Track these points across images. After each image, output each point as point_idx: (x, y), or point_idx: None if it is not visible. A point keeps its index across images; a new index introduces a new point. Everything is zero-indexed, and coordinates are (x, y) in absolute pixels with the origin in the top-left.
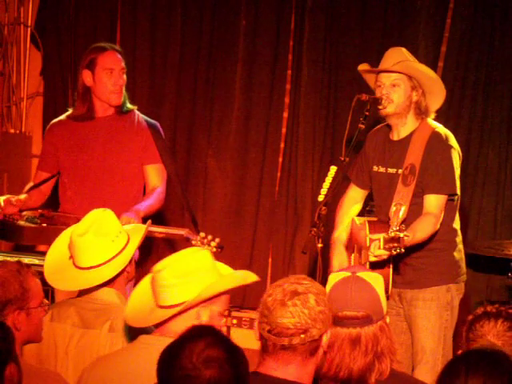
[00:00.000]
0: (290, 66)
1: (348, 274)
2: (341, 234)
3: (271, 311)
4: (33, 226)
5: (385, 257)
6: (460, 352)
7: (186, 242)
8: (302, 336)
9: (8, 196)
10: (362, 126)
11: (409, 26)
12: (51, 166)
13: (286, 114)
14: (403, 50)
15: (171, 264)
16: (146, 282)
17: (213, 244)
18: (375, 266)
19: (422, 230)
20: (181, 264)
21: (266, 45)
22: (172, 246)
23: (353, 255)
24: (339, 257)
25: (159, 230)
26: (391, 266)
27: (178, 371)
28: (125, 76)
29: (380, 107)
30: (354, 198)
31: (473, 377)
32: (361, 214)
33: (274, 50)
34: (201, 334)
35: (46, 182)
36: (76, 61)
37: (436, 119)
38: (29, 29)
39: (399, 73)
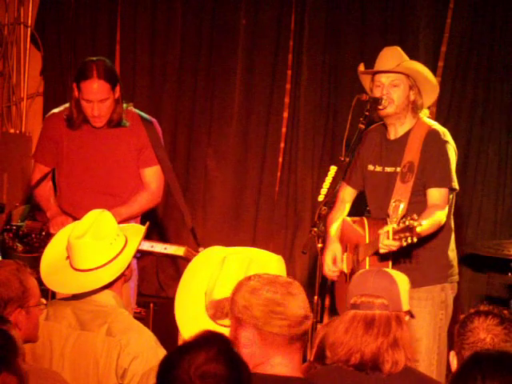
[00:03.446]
0: (290, 66)
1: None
2: (335, 231)
3: (285, 305)
4: (21, 254)
5: (394, 248)
6: (455, 350)
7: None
8: (308, 322)
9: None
10: (362, 126)
11: (409, 26)
12: (50, 160)
13: (286, 114)
14: (399, 49)
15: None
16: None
17: None
18: (374, 260)
19: (431, 222)
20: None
21: (266, 45)
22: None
23: (345, 255)
24: (332, 252)
25: (158, 250)
26: (391, 260)
27: (173, 381)
28: (108, 102)
29: (380, 107)
30: (344, 198)
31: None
32: (354, 215)
33: (274, 50)
34: (205, 344)
35: (44, 179)
36: (76, 60)
37: (436, 119)
38: (29, 29)
39: (399, 73)
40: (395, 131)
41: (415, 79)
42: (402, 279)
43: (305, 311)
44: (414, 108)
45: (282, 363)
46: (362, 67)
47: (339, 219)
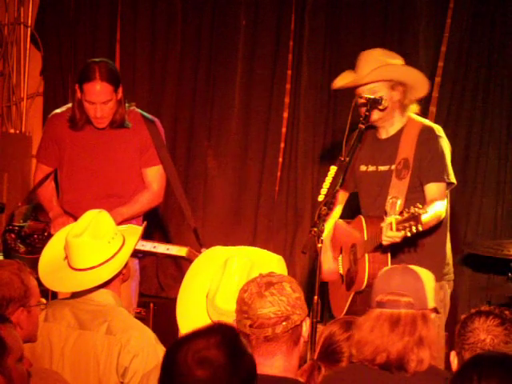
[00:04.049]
0: (289, 66)
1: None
2: (326, 237)
3: (250, 305)
4: (22, 256)
5: (398, 239)
6: (456, 350)
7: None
8: (284, 323)
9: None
10: (362, 126)
11: (409, 26)
12: (52, 160)
13: (286, 114)
14: (376, 52)
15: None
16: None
17: None
18: (373, 256)
19: (433, 213)
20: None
21: (266, 45)
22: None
23: (340, 257)
24: (327, 262)
25: (160, 250)
26: (389, 254)
27: (173, 366)
28: (111, 104)
29: (380, 107)
30: (336, 201)
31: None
32: (351, 217)
33: (274, 50)
34: (210, 332)
35: (46, 180)
36: (76, 60)
37: (436, 120)
38: (29, 29)
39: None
40: (386, 131)
41: (398, 79)
42: (427, 276)
43: (275, 314)
44: (402, 106)
45: (264, 364)
46: (335, 84)
47: (329, 224)
